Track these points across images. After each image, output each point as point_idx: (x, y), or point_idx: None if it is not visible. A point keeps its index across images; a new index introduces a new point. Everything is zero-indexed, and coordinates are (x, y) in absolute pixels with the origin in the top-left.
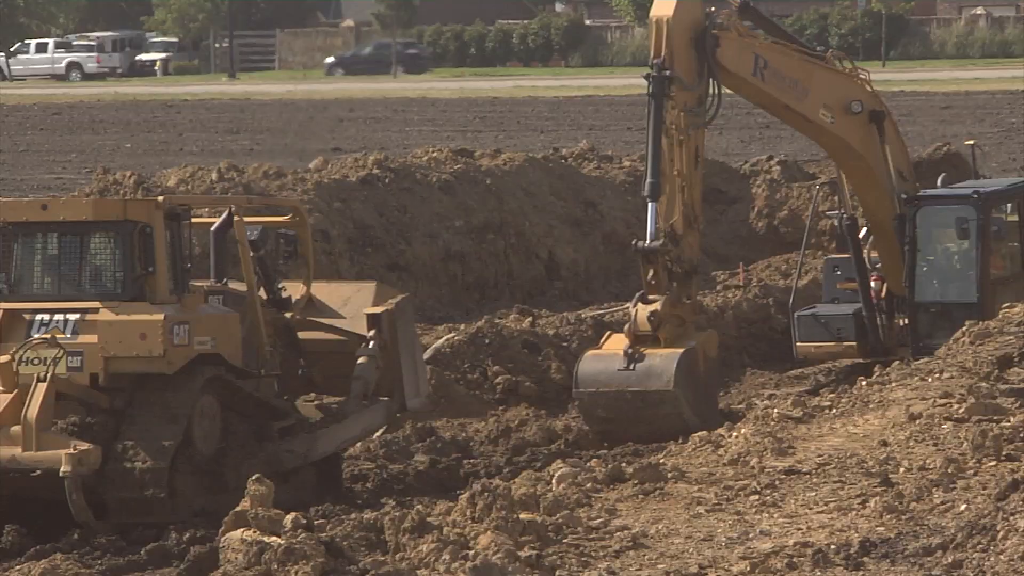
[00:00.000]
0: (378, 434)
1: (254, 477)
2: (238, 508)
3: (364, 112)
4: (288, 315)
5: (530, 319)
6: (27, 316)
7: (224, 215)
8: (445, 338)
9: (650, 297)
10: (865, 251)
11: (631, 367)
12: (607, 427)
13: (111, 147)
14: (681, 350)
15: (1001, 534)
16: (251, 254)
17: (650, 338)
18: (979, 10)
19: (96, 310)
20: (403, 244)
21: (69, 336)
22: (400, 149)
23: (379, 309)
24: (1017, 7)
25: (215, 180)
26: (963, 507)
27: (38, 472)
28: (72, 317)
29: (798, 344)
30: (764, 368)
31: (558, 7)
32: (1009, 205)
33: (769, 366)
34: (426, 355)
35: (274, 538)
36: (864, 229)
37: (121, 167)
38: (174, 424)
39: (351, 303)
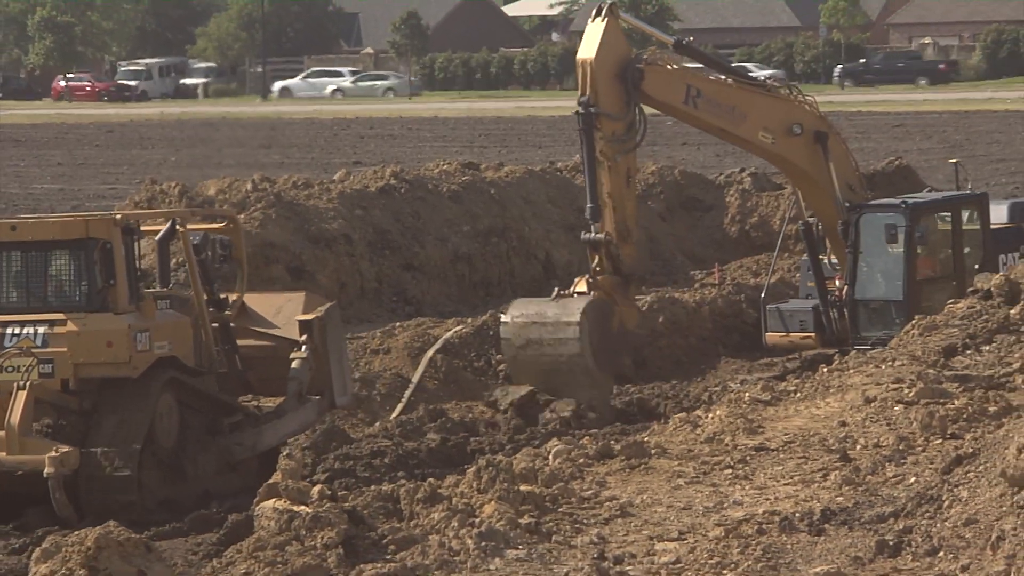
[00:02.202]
0: (391, 423)
1: (286, 454)
2: (270, 481)
3: (382, 130)
4: (226, 314)
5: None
6: (1, 329)
7: (168, 225)
8: (454, 330)
9: (597, 279)
10: (828, 254)
11: (555, 300)
12: (518, 358)
13: (158, 161)
14: (599, 297)
15: (946, 503)
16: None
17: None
18: (927, 40)
19: (64, 321)
20: (417, 247)
21: (39, 345)
22: (414, 162)
23: (310, 316)
24: (960, 37)
25: (249, 190)
26: (913, 480)
27: (20, 472)
28: (41, 328)
29: (767, 334)
30: (737, 356)
31: (554, 37)
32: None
33: (741, 355)
34: (437, 346)
35: (302, 507)
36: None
37: (167, 178)
38: (139, 423)
39: (283, 312)
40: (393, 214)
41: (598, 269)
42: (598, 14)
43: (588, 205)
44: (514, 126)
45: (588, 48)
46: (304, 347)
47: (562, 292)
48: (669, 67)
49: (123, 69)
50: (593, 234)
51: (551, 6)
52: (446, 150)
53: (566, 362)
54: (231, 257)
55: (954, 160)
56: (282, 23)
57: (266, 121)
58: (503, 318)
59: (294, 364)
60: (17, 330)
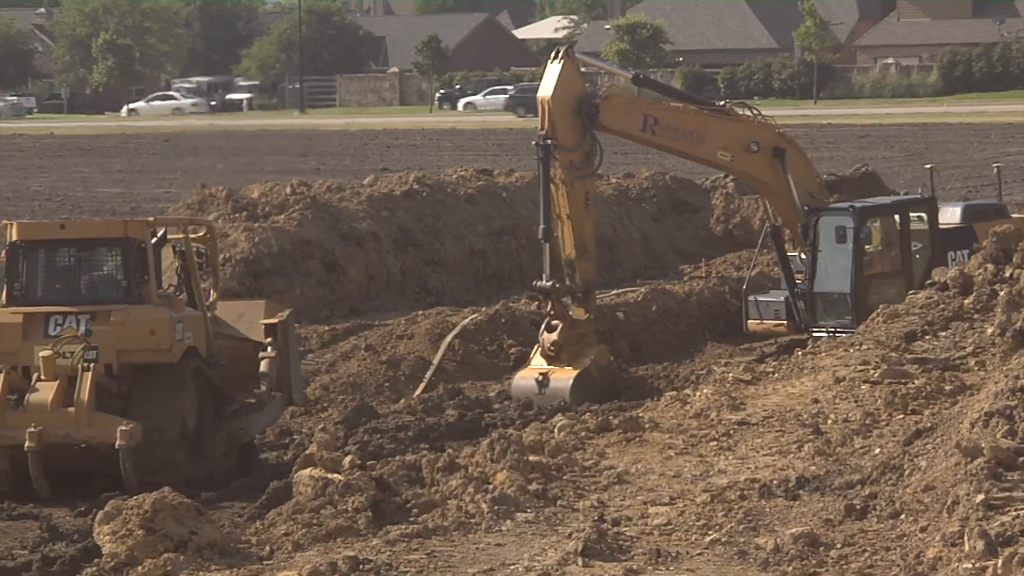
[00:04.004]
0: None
1: (321, 428)
2: (307, 452)
3: (406, 140)
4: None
5: (537, 303)
6: (45, 318)
7: (160, 233)
8: (470, 318)
9: (552, 323)
10: (800, 251)
11: (542, 391)
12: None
13: (207, 167)
14: (575, 373)
15: (907, 472)
16: (180, 263)
17: (557, 359)
18: (890, 60)
19: (108, 312)
20: (437, 244)
21: (82, 333)
22: (435, 169)
23: (274, 320)
24: (920, 58)
25: (289, 193)
26: (877, 451)
27: (83, 446)
28: (84, 318)
29: (748, 322)
30: (721, 341)
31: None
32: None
33: (725, 340)
34: (455, 332)
35: (336, 475)
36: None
37: (215, 183)
38: (176, 406)
39: (244, 316)
40: (416, 215)
41: (551, 313)
42: (556, 56)
43: (541, 226)
44: (523, 137)
45: (546, 88)
46: (270, 348)
47: (541, 377)
48: (624, 99)
49: (176, 86)
50: (543, 282)
51: (556, 30)
52: (463, 158)
53: None
54: (206, 263)
55: (929, 166)
56: (318, 46)
57: (303, 132)
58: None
59: (264, 364)
60: (60, 319)
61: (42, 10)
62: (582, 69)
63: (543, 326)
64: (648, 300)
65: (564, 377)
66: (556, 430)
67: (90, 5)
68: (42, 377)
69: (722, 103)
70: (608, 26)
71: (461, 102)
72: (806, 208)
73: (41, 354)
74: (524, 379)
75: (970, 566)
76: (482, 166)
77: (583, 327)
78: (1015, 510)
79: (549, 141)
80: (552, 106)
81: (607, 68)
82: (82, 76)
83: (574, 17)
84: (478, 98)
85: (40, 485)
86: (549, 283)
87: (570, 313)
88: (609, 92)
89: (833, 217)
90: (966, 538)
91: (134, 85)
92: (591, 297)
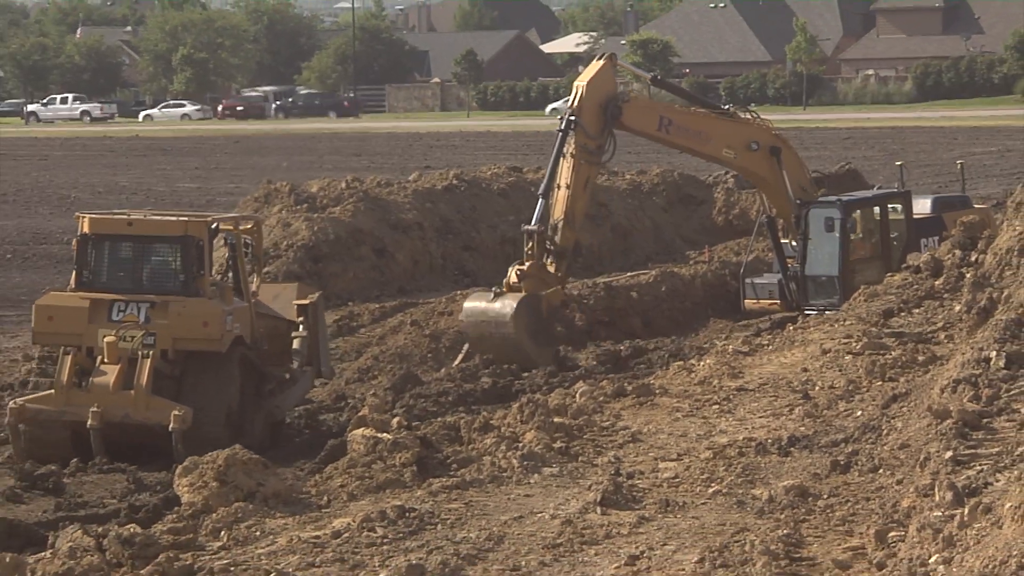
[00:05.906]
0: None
1: (372, 393)
2: (360, 414)
3: (447, 142)
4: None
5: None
6: (108, 304)
7: (213, 226)
8: None
9: (525, 263)
10: (791, 239)
11: (494, 299)
12: (477, 346)
13: (273, 165)
14: (524, 294)
15: (885, 432)
16: (229, 254)
17: (518, 288)
18: (870, 71)
19: (166, 303)
20: (474, 232)
21: (142, 321)
22: (471, 167)
23: (306, 301)
24: (896, 69)
25: (344, 188)
26: (859, 413)
27: (139, 425)
28: (144, 306)
29: (745, 301)
30: (722, 318)
31: (580, 68)
32: (877, 208)
33: (726, 316)
34: None
35: (385, 435)
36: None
37: (280, 179)
38: (225, 391)
39: (280, 297)
40: (455, 207)
41: (530, 253)
42: (601, 56)
43: (544, 184)
44: (550, 138)
45: (585, 76)
46: (302, 327)
47: (499, 291)
48: (644, 103)
49: (245, 94)
50: (531, 225)
51: (577, 45)
52: (496, 157)
53: (511, 346)
54: (252, 253)
55: (899, 163)
56: (369, 59)
57: (357, 134)
58: (460, 316)
59: (296, 341)
60: (122, 306)
61: (129, 28)
62: (618, 72)
63: (515, 263)
64: (658, 282)
65: (515, 295)
66: (577, 395)
67: (171, 24)
68: (105, 360)
69: (726, 107)
70: (623, 41)
71: (141, 114)
72: (798, 201)
73: (106, 339)
74: (478, 297)
75: (940, 514)
76: (513, 164)
77: (549, 279)
78: (979, 465)
79: (573, 118)
80: (585, 92)
81: (634, 71)
82: (163, 85)
83: (593, 33)
84: (155, 111)
85: (100, 459)
86: (536, 226)
87: (547, 263)
88: (631, 95)
89: (822, 209)
90: (936, 490)
91: (208, 93)
92: (563, 262)
